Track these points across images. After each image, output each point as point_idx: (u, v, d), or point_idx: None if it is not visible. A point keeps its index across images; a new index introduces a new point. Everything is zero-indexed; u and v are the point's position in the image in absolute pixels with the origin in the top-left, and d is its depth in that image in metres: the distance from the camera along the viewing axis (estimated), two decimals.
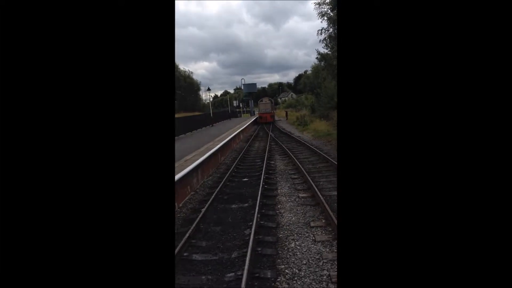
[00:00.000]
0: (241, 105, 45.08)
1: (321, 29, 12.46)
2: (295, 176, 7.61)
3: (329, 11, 11.86)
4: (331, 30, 12.07)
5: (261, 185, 6.56)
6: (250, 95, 41.55)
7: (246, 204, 5.81)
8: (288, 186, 6.85)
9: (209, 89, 29.89)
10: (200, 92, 54.03)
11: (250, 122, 24.26)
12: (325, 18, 12.05)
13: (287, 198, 6.06)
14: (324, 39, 12.46)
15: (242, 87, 45.03)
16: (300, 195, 6.13)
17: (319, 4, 12.24)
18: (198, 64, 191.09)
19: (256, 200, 5.62)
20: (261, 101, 29.72)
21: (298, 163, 8.48)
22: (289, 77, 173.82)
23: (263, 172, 7.75)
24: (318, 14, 12.19)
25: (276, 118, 32.33)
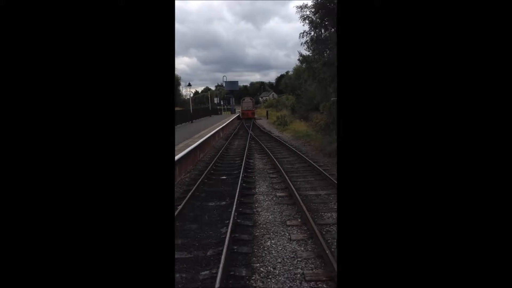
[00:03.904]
0: (222, 103, 44.73)
1: (303, 32, 12.57)
2: (274, 176, 7.68)
3: (311, 15, 12.00)
4: (312, 33, 12.24)
5: (239, 184, 6.57)
6: (232, 93, 41.41)
7: (224, 202, 5.80)
8: (266, 185, 6.90)
9: (189, 85, 29.07)
10: (180, 87, 52.99)
11: (231, 119, 24.13)
12: (307, 21, 12.16)
13: (265, 197, 6.11)
14: (306, 41, 12.57)
15: (224, 85, 44.71)
16: (278, 194, 6.20)
17: (301, 7, 12.31)
18: (178, 59, 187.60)
19: (234, 198, 5.62)
20: (244, 99, 35.14)
21: (277, 163, 8.56)
22: (270, 76, 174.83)
23: (241, 171, 7.76)
24: (300, 17, 12.27)
25: (257, 116, 34.39)
